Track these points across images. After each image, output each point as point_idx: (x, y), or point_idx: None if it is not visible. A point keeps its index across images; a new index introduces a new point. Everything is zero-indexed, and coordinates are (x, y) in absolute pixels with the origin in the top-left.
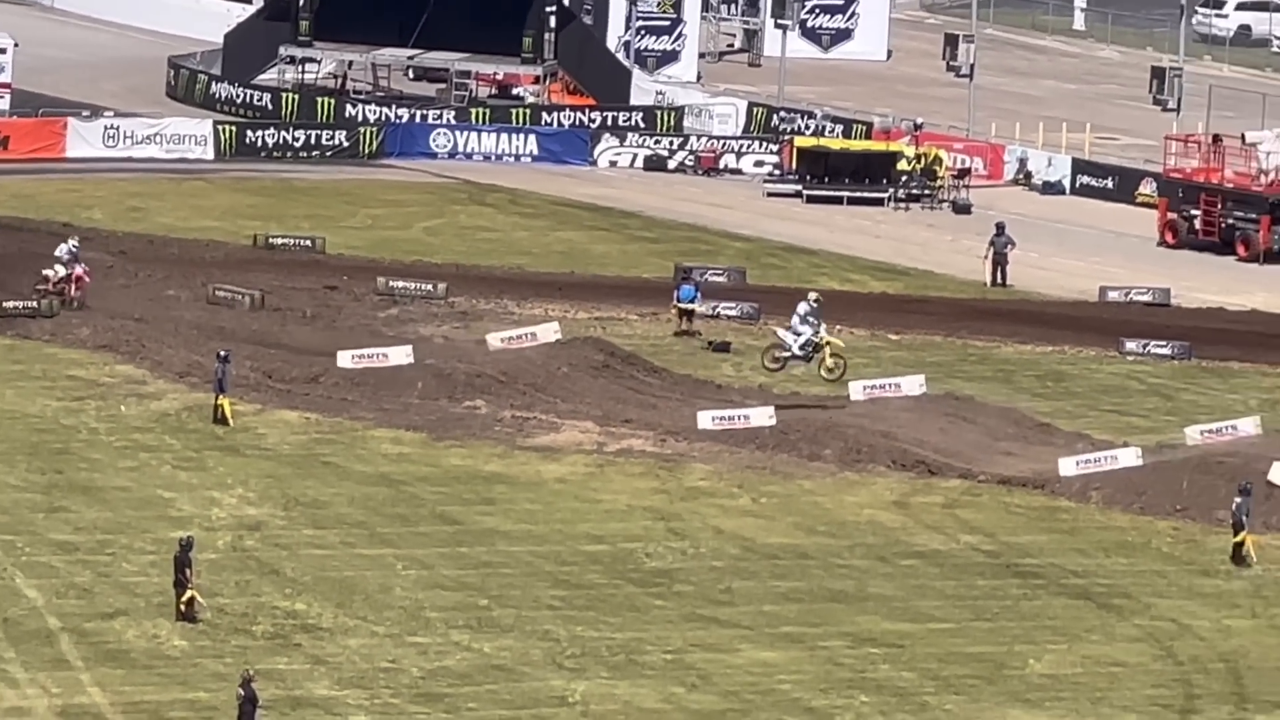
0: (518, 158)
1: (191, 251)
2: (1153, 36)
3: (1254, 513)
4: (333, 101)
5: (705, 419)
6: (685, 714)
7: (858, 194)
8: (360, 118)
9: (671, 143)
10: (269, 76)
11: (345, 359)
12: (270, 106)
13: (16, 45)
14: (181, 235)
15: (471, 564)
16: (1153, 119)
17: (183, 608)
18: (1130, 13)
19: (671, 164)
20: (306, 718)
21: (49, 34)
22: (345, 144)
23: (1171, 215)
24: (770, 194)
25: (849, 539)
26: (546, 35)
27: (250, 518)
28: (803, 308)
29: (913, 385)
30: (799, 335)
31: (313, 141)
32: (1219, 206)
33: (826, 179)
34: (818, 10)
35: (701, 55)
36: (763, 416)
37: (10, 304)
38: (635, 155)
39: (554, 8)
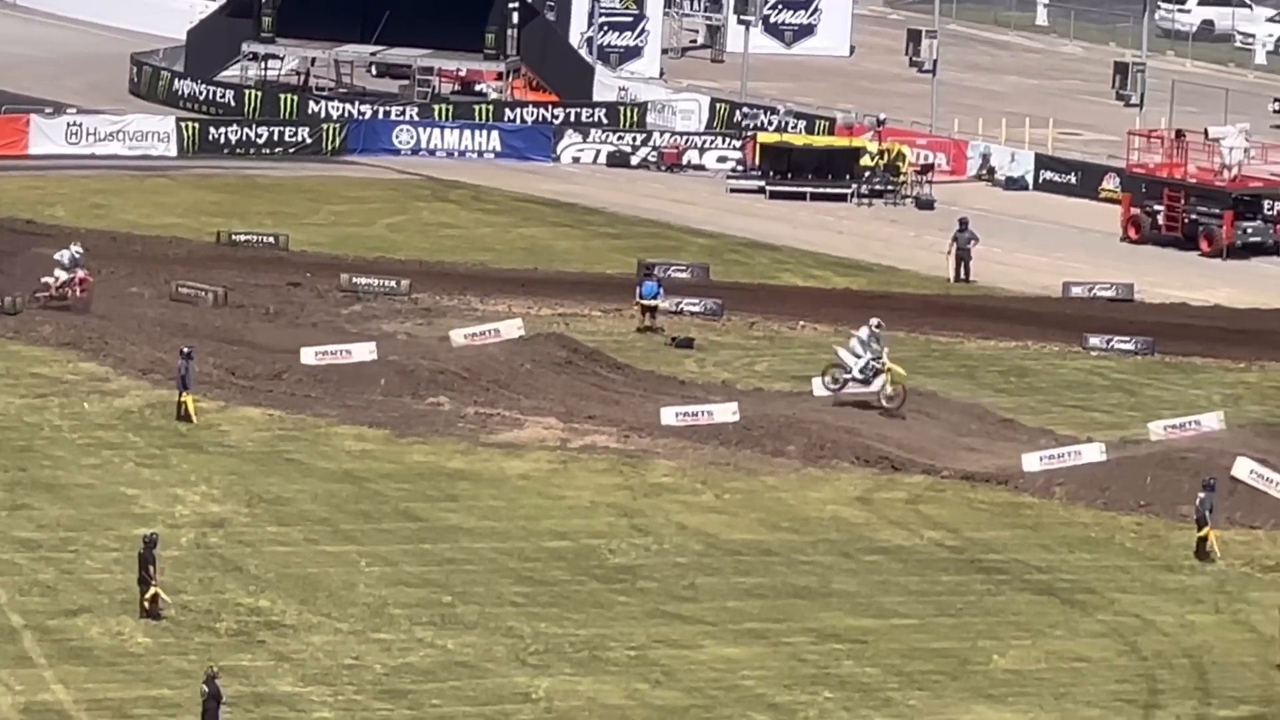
0: (481, 154)
1: (154, 248)
2: (1115, 32)
3: (1217, 508)
4: (296, 98)
5: (669, 415)
6: (649, 710)
7: (821, 190)
8: (323, 114)
9: (634, 139)
10: (232, 73)
11: (308, 356)
12: (233, 103)
13: None
14: (144, 232)
15: (435, 560)
16: (1116, 114)
17: (146, 605)
18: (1093, 8)
19: (634, 160)
20: (270, 715)
21: (11, 31)
22: (308, 141)
23: (1135, 210)
24: (733, 190)
25: (812, 535)
26: (509, 31)
27: (213, 515)
28: (864, 332)
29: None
30: (859, 358)
31: (276, 138)
32: (1182, 202)
33: (789, 175)
34: (780, 6)
35: (664, 51)
36: (726, 412)
37: None
38: (598, 151)
39: (516, 4)
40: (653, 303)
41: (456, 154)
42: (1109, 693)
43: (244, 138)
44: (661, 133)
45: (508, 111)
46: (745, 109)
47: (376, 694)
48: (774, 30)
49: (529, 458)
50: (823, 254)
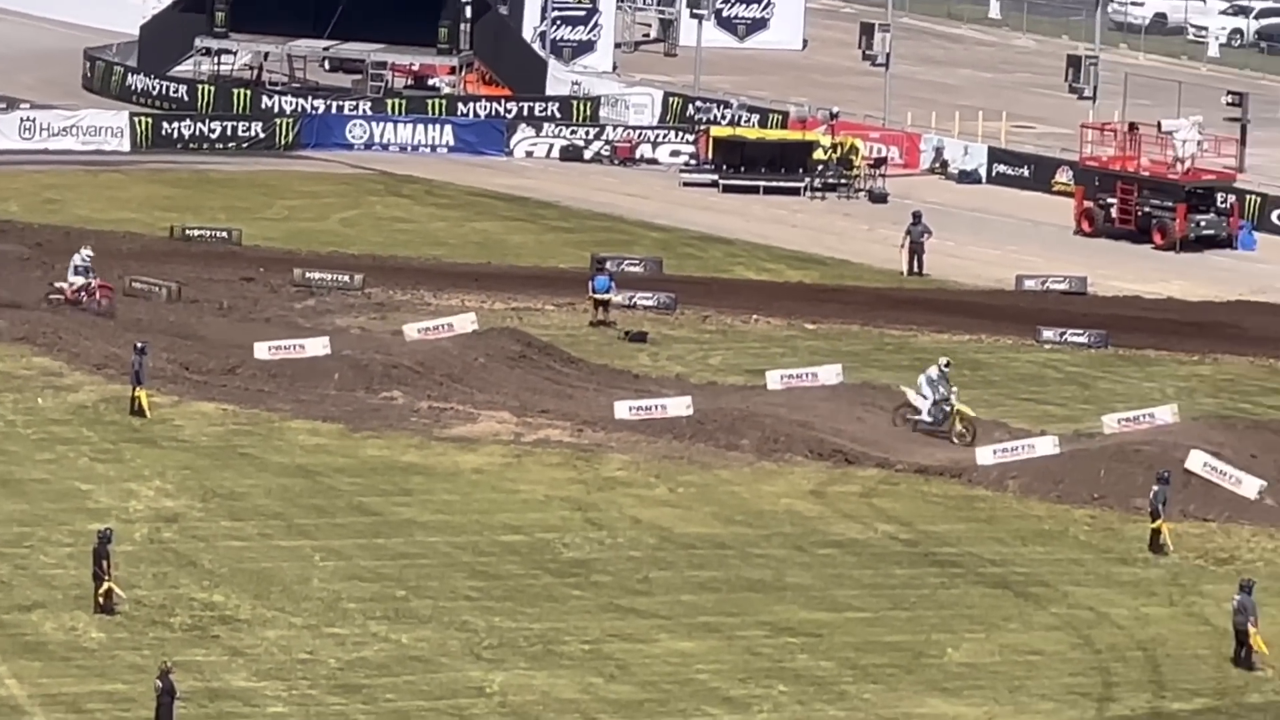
0: (434, 148)
1: (108, 243)
2: (1068, 25)
3: (1171, 501)
4: (249, 93)
5: (622, 409)
6: (603, 704)
7: (774, 183)
8: (276, 109)
9: (587, 133)
10: (185, 68)
11: (262, 350)
12: (186, 98)
13: None
14: (98, 227)
15: (389, 555)
16: (1069, 107)
17: (100, 600)
18: (1046, 1)
19: (587, 154)
20: (224, 709)
21: None
22: (261, 135)
23: (1088, 204)
24: (686, 184)
25: (766, 528)
26: (462, 26)
27: (168, 509)
28: (933, 372)
29: (830, 374)
30: (926, 399)
31: (229, 133)
32: (1135, 195)
33: (743, 168)
34: (733, 0)
35: (617, 45)
36: (680, 406)
37: None
38: (551, 145)
39: None
40: (605, 297)
41: (410, 148)
42: (1063, 685)
43: (197, 133)
44: (615, 127)
45: (461, 106)
46: (698, 103)
47: (330, 688)
48: (727, 24)
49: (483, 452)
50: (776, 247)
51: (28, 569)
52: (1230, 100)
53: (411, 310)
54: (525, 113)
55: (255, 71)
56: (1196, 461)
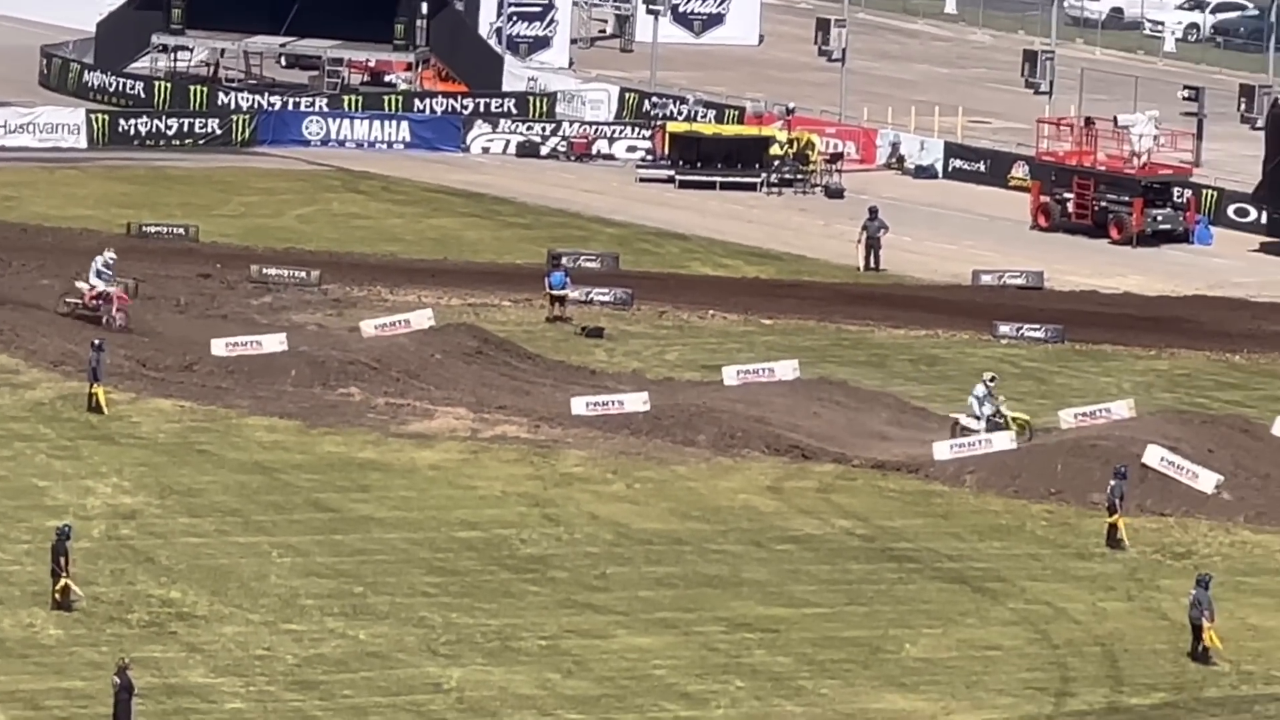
0: (390, 145)
1: (65, 240)
2: (1024, 20)
3: (1128, 495)
4: (205, 90)
5: (579, 405)
6: (560, 700)
7: (730, 179)
8: (233, 106)
9: (544, 129)
10: (141, 65)
11: (219, 347)
12: (143, 95)
13: None
14: (55, 224)
15: (346, 551)
16: (1025, 102)
17: (58, 596)
18: None
19: (544, 150)
20: (182, 705)
21: None
22: (218, 132)
23: (1044, 198)
24: (643, 179)
25: (723, 524)
26: (419, 22)
27: (125, 506)
28: (980, 390)
29: (786, 370)
30: (979, 419)
31: (186, 130)
32: (1092, 189)
33: (699, 164)
34: None
35: (573, 41)
36: (637, 402)
37: None
38: (508, 142)
39: None
40: (562, 293)
41: (366, 145)
42: (1020, 681)
43: (154, 129)
44: (571, 122)
45: (417, 102)
46: (654, 98)
47: (288, 685)
48: (683, 20)
49: (440, 448)
50: (732, 243)
51: None
52: (1186, 95)
53: (368, 307)
54: (482, 109)
55: (212, 68)
56: (1153, 456)
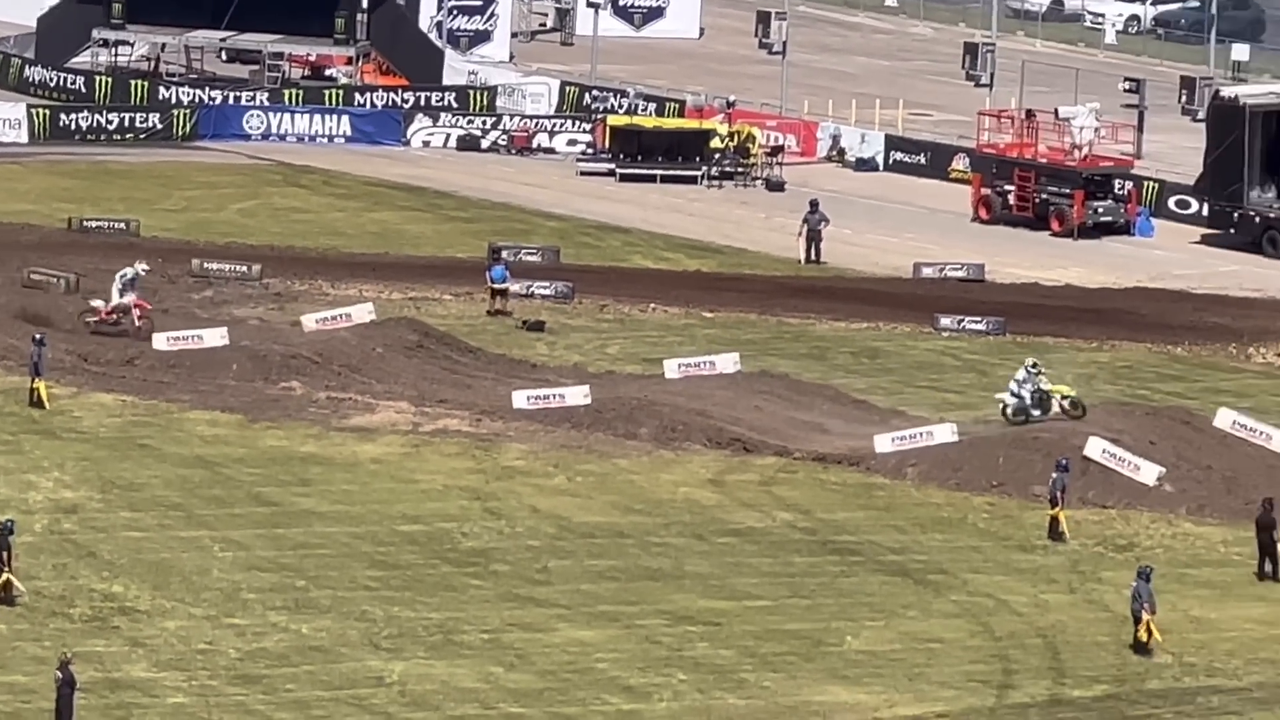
0: (331, 139)
1: (6, 235)
2: (965, 12)
3: (1070, 488)
4: (146, 84)
5: (520, 398)
6: (503, 693)
7: (671, 172)
8: (174, 100)
9: (484, 122)
10: (82, 59)
11: (160, 341)
12: (84, 89)
13: None
14: None
15: (288, 545)
16: (966, 94)
17: (0, 591)
18: None
19: (485, 144)
20: (125, 700)
21: None
22: (159, 126)
23: (985, 191)
24: (583, 173)
25: (665, 517)
26: (359, 16)
27: (67, 501)
28: (1020, 374)
29: (728, 363)
30: (1018, 397)
31: (127, 124)
32: (1033, 182)
33: (640, 157)
34: None
35: (514, 35)
36: (578, 395)
37: None
38: (448, 135)
39: None
40: (503, 286)
41: (307, 139)
42: (963, 673)
43: (95, 124)
44: (511, 116)
45: (358, 96)
46: (595, 92)
47: (230, 679)
48: (623, 13)
49: (381, 442)
50: (673, 236)
51: None
52: (1127, 87)
53: (309, 300)
54: (422, 102)
55: (152, 63)
56: (1095, 448)
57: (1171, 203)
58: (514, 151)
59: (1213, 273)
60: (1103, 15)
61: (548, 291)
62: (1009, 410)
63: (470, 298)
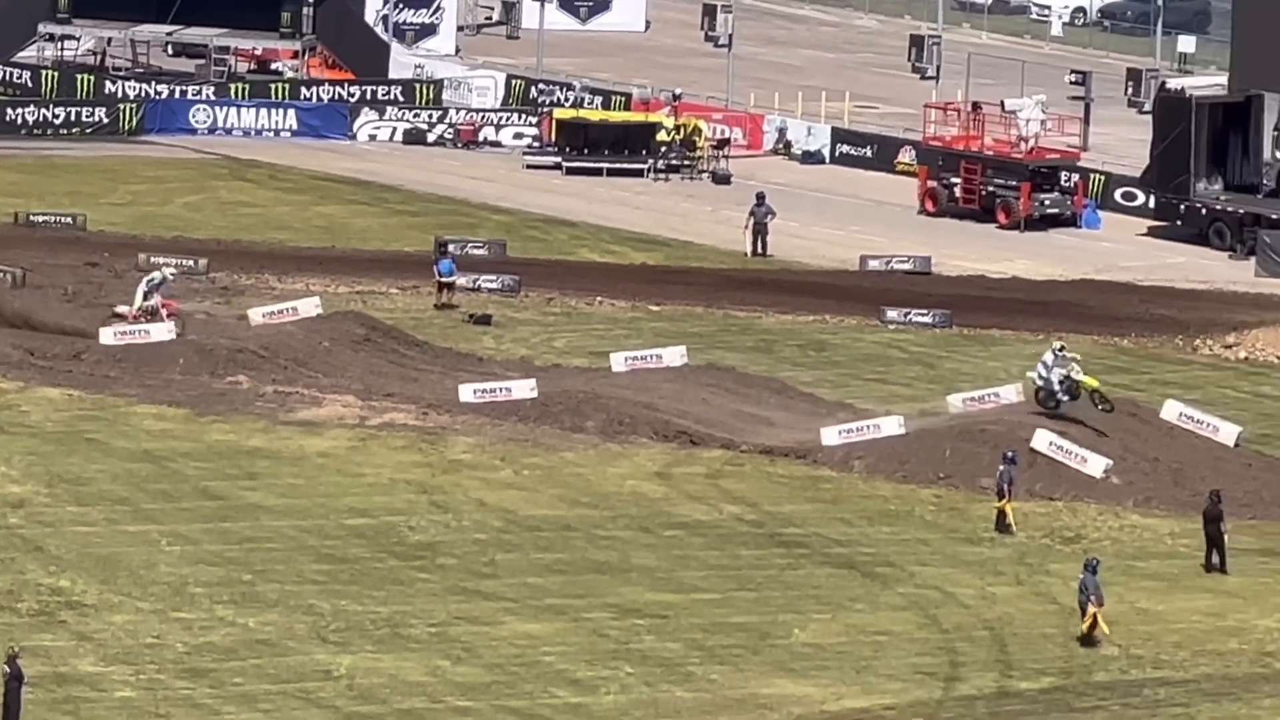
0: (277, 133)
1: None
2: (911, 5)
3: (1017, 480)
4: (92, 78)
5: (467, 392)
6: (450, 686)
7: (617, 165)
8: (120, 94)
9: (431, 116)
10: (28, 54)
11: (107, 336)
12: (30, 84)
13: None
14: None
15: (235, 539)
16: (912, 87)
17: None
18: None
19: (431, 137)
20: (72, 694)
21: None
22: (105, 121)
23: (931, 183)
24: (530, 166)
25: (612, 510)
26: (305, 10)
27: (13, 495)
28: (1048, 357)
29: (674, 356)
30: (1048, 381)
31: (73, 119)
32: (979, 174)
33: (586, 150)
34: None
35: (460, 28)
36: (525, 389)
37: None
38: (395, 129)
39: None
40: (450, 280)
41: (253, 133)
42: (910, 665)
43: (41, 118)
44: (458, 110)
45: (304, 90)
46: (541, 85)
47: (178, 673)
48: (569, 6)
49: (328, 435)
50: (620, 229)
51: None
52: (1073, 79)
53: (256, 295)
54: (368, 96)
55: (99, 57)
56: (1042, 440)
57: (1118, 195)
58: (460, 145)
59: (1159, 265)
60: (1049, 7)
61: (494, 285)
62: (1040, 395)
63: (417, 291)
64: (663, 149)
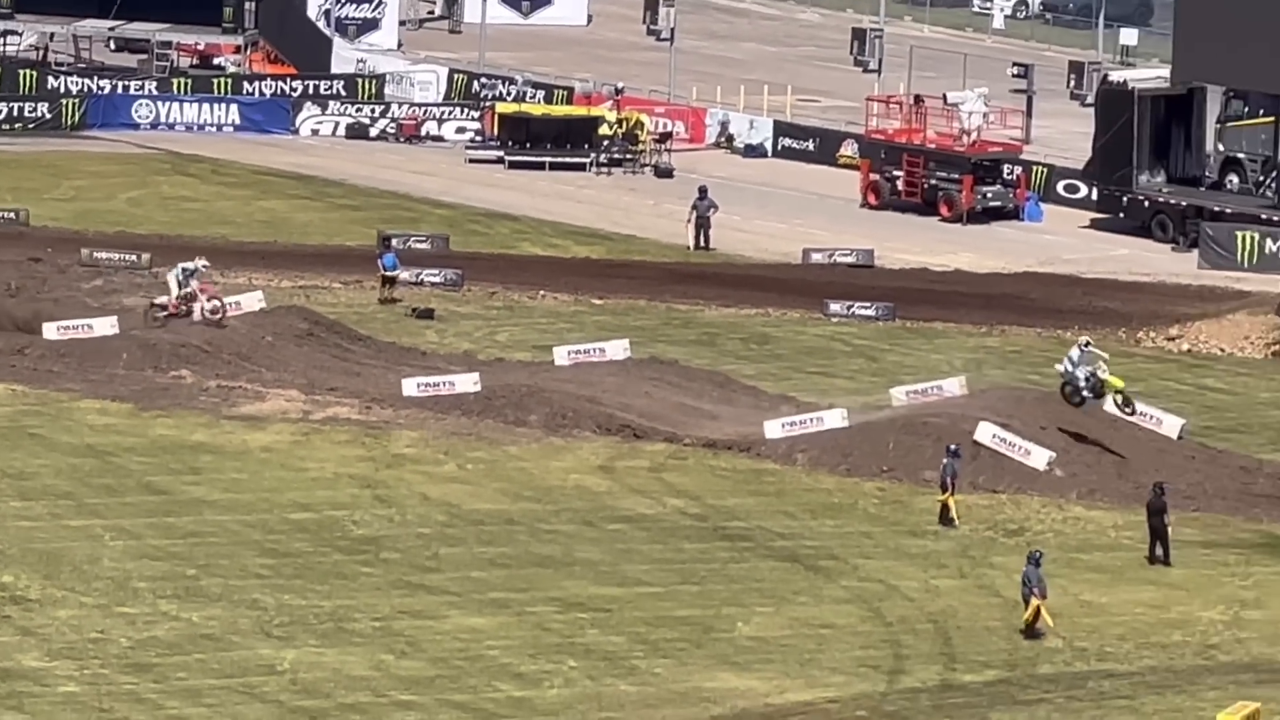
0: (220, 128)
1: None
2: None
3: (960, 473)
4: (34, 73)
5: (410, 386)
6: (394, 681)
7: (560, 159)
8: (62, 89)
9: (373, 110)
10: None
11: (50, 331)
12: None
13: None
14: None
15: (179, 534)
16: (854, 80)
17: None
18: None
19: (373, 132)
20: (16, 689)
21: None
22: (47, 116)
23: (874, 176)
24: (472, 160)
25: (555, 504)
26: (247, 5)
27: None
28: (1074, 353)
29: (617, 350)
30: (1075, 377)
31: (15, 113)
32: (921, 167)
33: (528, 145)
34: None
35: (402, 23)
36: (468, 383)
37: None
38: (337, 124)
39: None
40: (393, 274)
41: (196, 128)
42: (854, 659)
43: None
44: (400, 104)
45: (246, 85)
46: (483, 79)
47: (122, 667)
48: (511, 1)
49: (271, 430)
50: (562, 223)
51: None
52: (1015, 72)
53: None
54: (311, 91)
55: (41, 52)
56: (985, 433)
57: (1060, 187)
58: (403, 139)
59: (1102, 257)
60: (991, 0)
61: (437, 279)
62: (1066, 389)
63: (360, 285)
64: (605, 143)
